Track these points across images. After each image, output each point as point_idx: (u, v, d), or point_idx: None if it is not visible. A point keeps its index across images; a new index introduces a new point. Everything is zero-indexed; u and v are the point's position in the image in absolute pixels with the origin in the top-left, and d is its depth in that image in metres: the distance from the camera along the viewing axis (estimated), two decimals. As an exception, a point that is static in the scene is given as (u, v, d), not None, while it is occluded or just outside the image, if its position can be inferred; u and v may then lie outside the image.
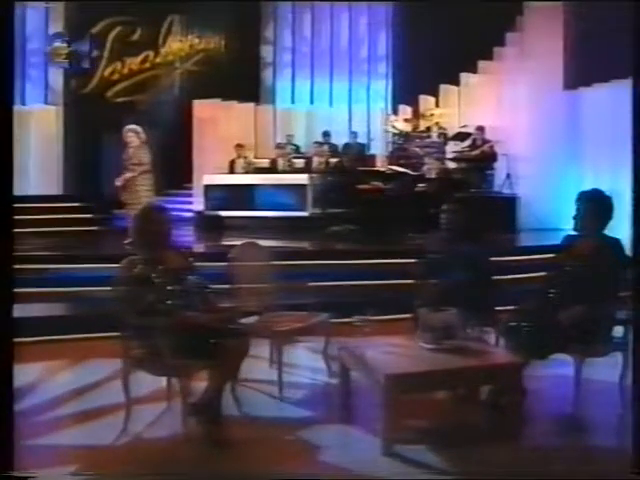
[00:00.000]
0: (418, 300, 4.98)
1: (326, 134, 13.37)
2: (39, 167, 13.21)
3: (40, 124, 13.33)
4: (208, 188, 12.24)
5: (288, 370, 5.33)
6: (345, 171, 11.02)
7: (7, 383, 2.94)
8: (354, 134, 13.31)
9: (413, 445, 3.95)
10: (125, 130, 9.57)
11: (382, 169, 11.40)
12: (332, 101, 15.07)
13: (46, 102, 13.56)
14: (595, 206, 4.65)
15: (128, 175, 9.39)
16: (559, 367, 4.62)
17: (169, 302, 4.09)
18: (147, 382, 4.40)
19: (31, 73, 13.46)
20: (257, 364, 5.16)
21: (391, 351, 4.29)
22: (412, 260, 7.85)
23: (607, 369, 4.58)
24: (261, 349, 5.14)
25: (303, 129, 14.59)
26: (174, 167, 13.51)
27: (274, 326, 5.03)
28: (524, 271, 7.97)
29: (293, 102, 15.04)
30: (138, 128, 9.54)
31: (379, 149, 13.71)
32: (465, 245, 5.22)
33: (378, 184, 10.76)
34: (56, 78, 13.61)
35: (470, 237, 5.31)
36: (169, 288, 4.12)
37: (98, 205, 12.17)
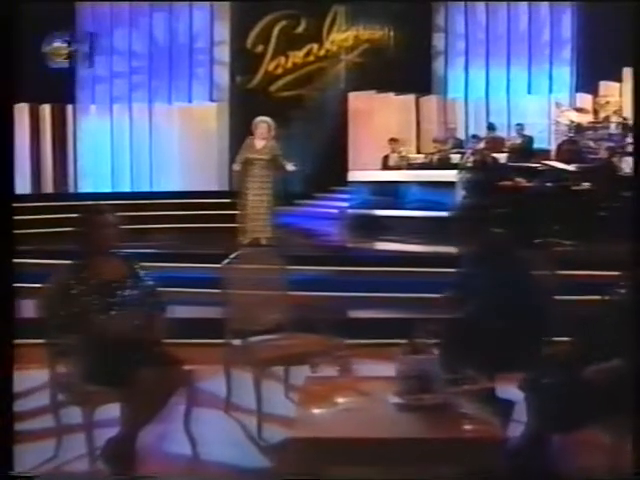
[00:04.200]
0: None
1: (491, 127, 12.26)
2: (201, 163, 13.42)
3: (202, 121, 13.53)
4: (353, 185, 11.69)
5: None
6: (488, 167, 9.92)
7: (7, 383, 2.81)
8: (520, 126, 12.05)
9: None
10: (255, 121, 9.27)
11: (535, 164, 10.13)
12: (509, 90, 13.83)
13: (211, 99, 13.76)
14: None
15: (262, 170, 9.09)
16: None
17: (91, 317, 3.63)
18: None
19: (197, 71, 13.74)
20: (272, 391, 4.55)
21: (340, 402, 3.45)
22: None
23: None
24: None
25: (473, 121, 13.55)
26: (335, 163, 13.17)
27: (255, 353, 4.35)
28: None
29: (466, 92, 14.01)
30: (269, 120, 9.19)
31: (551, 142, 12.33)
32: (492, 265, 4.18)
33: (521, 181, 9.56)
34: (221, 75, 13.78)
35: (502, 252, 4.27)
36: (93, 301, 3.66)
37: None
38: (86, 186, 13.20)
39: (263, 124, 9.16)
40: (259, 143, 9.17)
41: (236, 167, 9.25)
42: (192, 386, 3.93)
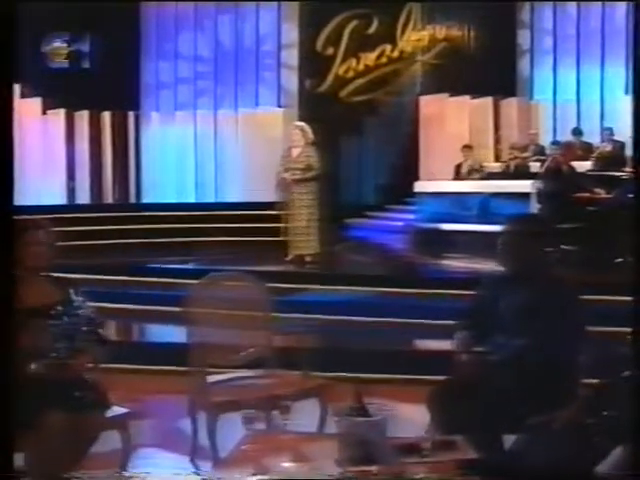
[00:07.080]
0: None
1: (576, 132, 11.11)
2: (267, 172, 12.77)
3: (269, 127, 12.89)
4: (419, 196, 10.77)
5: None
6: (563, 176, 8.80)
7: (7, 382, 2.57)
8: (609, 131, 10.81)
9: None
10: (291, 127, 8.72)
11: (618, 173, 8.91)
12: (603, 91, 12.54)
13: (279, 105, 13.13)
14: None
15: (288, 178, 8.46)
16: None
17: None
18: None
19: (264, 76, 13.14)
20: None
21: (272, 467, 2.65)
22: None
23: None
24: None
25: (560, 126, 12.35)
26: (408, 172, 12.29)
27: (209, 395, 3.59)
28: None
29: (554, 94, 12.80)
30: (305, 126, 8.60)
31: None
32: (520, 292, 3.30)
33: (600, 192, 8.41)
34: (289, 79, 13.13)
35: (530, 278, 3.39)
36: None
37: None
38: (148, 196, 12.80)
39: (296, 130, 8.58)
40: (294, 151, 8.55)
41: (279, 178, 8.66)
42: (127, 432, 3.28)
